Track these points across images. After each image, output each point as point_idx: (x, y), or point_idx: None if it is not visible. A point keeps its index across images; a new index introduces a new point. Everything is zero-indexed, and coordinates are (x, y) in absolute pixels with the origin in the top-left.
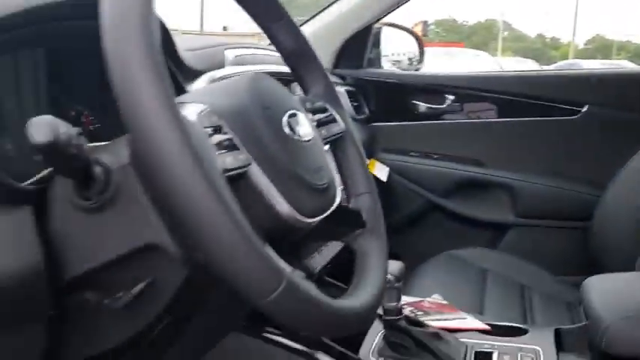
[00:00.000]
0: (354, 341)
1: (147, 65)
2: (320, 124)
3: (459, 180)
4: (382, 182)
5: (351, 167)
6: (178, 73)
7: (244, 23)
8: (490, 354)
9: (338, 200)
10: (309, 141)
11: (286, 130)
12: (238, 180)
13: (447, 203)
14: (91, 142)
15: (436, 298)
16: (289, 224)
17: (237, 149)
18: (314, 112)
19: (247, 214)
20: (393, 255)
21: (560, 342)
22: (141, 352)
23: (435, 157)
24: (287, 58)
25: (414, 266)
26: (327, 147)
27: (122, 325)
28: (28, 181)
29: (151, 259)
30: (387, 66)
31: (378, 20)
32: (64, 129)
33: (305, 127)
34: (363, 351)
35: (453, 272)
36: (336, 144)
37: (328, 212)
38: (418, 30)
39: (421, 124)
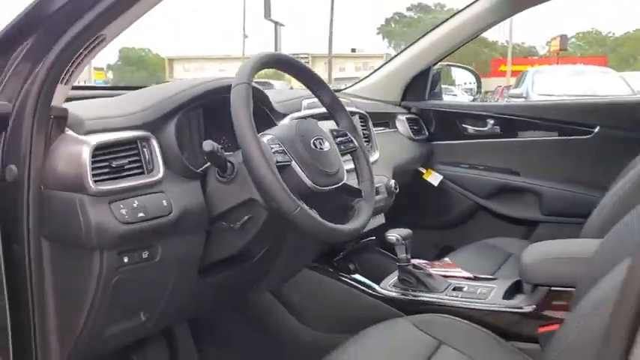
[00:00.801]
0: (380, 278)
1: (246, 124)
2: (341, 143)
3: (499, 186)
4: (434, 187)
5: (360, 166)
6: (272, 115)
7: (372, 46)
8: (462, 287)
9: (344, 180)
10: (327, 151)
11: (312, 146)
12: (285, 168)
13: (488, 204)
14: (226, 151)
15: (446, 260)
16: (311, 190)
17: (285, 154)
18: (339, 136)
19: (287, 183)
20: (447, 247)
21: (520, 288)
22: (249, 268)
23: (480, 167)
24: (326, 107)
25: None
26: (348, 156)
27: (238, 239)
28: (199, 169)
29: (251, 205)
30: (460, 92)
31: (435, 64)
32: (215, 145)
33: (325, 144)
34: (382, 284)
35: (483, 253)
36: (353, 154)
37: (336, 186)
38: (556, 44)
39: (469, 142)
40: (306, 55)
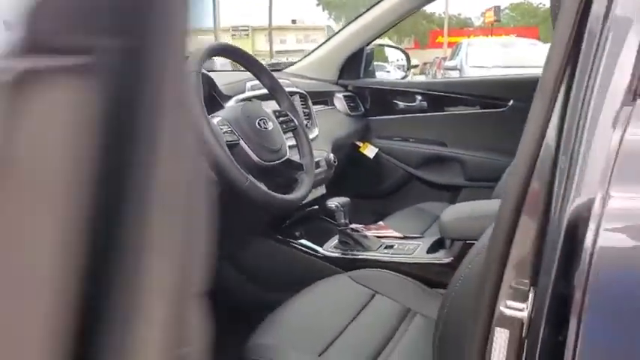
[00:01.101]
0: (323, 241)
1: (198, 108)
2: (283, 122)
3: (428, 156)
4: (370, 159)
5: (301, 143)
6: (218, 97)
7: (312, 17)
8: (393, 245)
9: (287, 156)
10: (271, 130)
11: (257, 126)
12: (234, 147)
13: (419, 173)
14: None
15: (380, 223)
16: (258, 165)
17: (234, 133)
18: (280, 116)
19: (237, 159)
20: (383, 213)
21: (442, 244)
22: None
23: (411, 140)
24: (267, 89)
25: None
26: (290, 134)
27: None
28: None
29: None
30: (393, 69)
31: (368, 44)
32: None
33: (269, 124)
34: (325, 246)
35: (414, 216)
36: (294, 132)
37: (280, 161)
38: (490, 15)
39: (401, 117)
40: (246, 28)
